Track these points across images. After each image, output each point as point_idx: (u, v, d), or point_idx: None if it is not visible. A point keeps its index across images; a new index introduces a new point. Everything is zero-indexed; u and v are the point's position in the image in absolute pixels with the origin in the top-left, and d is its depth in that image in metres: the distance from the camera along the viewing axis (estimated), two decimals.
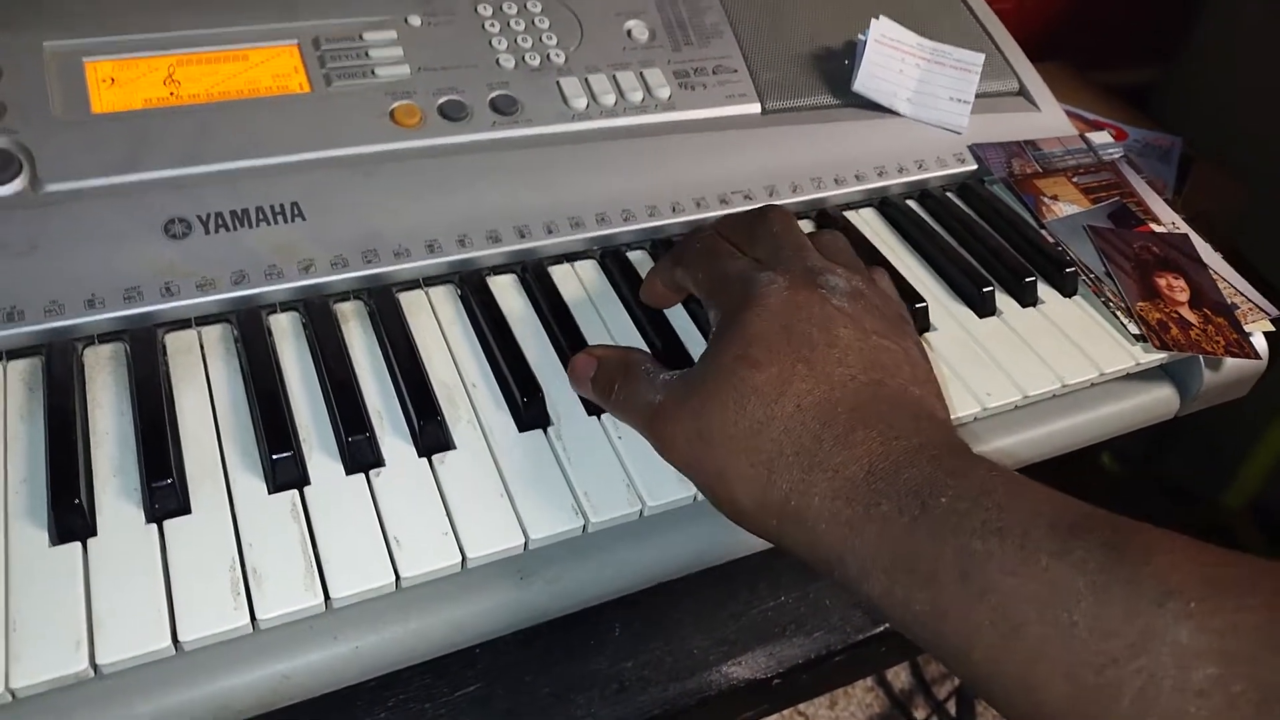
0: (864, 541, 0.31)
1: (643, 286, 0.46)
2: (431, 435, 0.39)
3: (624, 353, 0.41)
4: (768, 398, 0.34)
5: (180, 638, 0.33)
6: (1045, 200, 0.58)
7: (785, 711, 1.27)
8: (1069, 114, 0.66)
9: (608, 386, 0.40)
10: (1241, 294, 0.54)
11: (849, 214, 0.56)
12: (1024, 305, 0.52)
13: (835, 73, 0.60)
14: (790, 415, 0.33)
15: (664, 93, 0.56)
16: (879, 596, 0.31)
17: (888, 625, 0.46)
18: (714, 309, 0.39)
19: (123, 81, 0.48)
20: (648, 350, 0.44)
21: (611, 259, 0.50)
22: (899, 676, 1.33)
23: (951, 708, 1.26)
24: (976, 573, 0.29)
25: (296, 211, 0.46)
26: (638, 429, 0.39)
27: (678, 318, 0.47)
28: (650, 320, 0.46)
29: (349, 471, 0.38)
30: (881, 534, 0.31)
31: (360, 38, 0.52)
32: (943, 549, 0.29)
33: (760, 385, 0.34)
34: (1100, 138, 0.64)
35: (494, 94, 0.53)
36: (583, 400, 0.42)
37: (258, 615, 0.33)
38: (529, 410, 0.41)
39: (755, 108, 0.57)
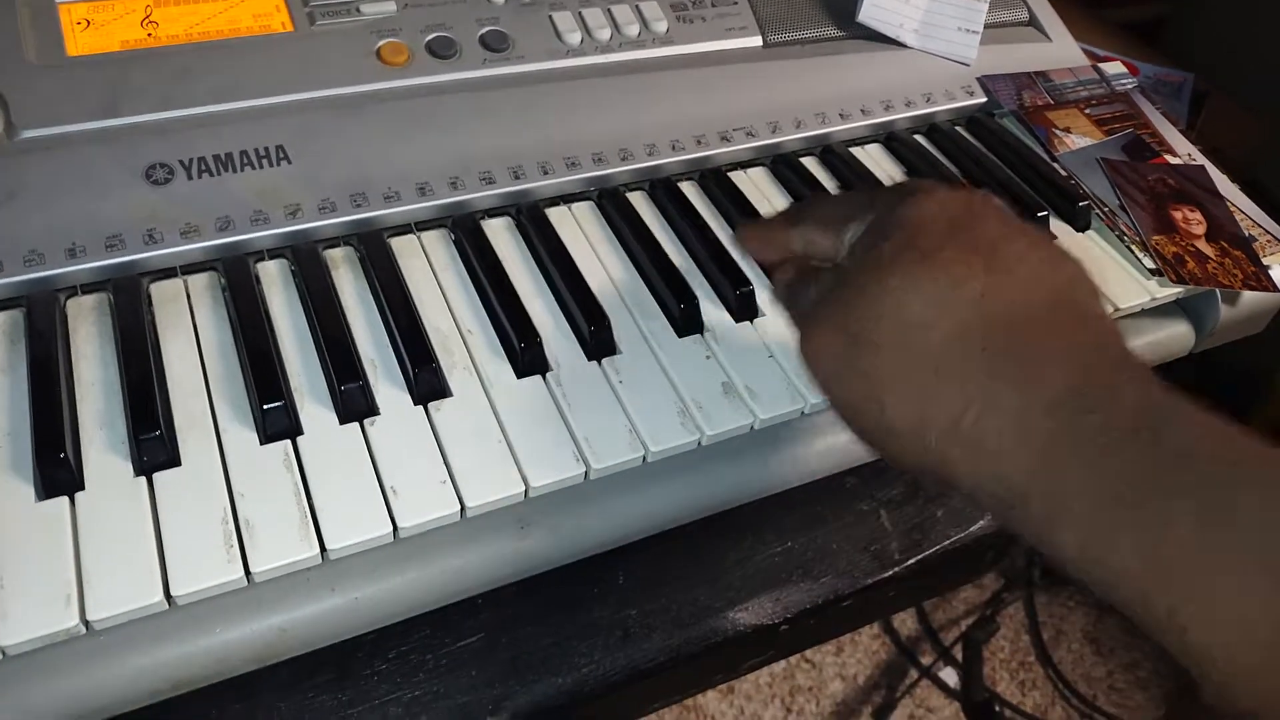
0: (1063, 479, 0.25)
1: (746, 234, 0.40)
2: (427, 382, 0.38)
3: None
4: (939, 289, 0.28)
5: (173, 591, 0.32)
6: (1057, 132, 0.56)
7: (792, 659, 1.28)
8: None
9: (789, 271, 0.35)
10: (1260, 225, 0.52)
11: (855, 150, 0.54)
12: None
13: (839, 3, 0.58)
14: (969, 310, 0.28)
15: (661, 26, 0.53)
16: (1073, 545, 0.25)
17: (894, 570, 0.45)
18: (851, 230, 0.33)
19: (99, 23, 0.46)
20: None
21: (609, 200, 0.48)
22: (905, 624, 1.34)
23: (958, 654, 1.27)
24: (1220, 518, 0.23)
25: (282, 155, 0.44)
26: (792, 324, 0.34)
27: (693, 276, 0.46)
28: (652, 261, 0.45)
29: (342, 421, 0.37)
30: (1087, 472, 0.25)
31: None
32: (1173, 488, 0.24)
33: (929, 276, 0.28)
34: (1113, 68, 0.62)
35: (484, 30, 0.51)
36: (582, 345, 0.41)
37: (251, 568, 0.33)
38: (527, 356, 0.40)
39: (756, 41, 0.55)
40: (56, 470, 0.34)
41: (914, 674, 1.29)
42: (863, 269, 0.30)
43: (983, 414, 0.27)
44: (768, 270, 0.43)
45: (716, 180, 0.51)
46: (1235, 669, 0.23)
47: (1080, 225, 0.51)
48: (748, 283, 0.44)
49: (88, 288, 0.40)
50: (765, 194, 0.51)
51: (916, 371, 0.28)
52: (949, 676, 1.29)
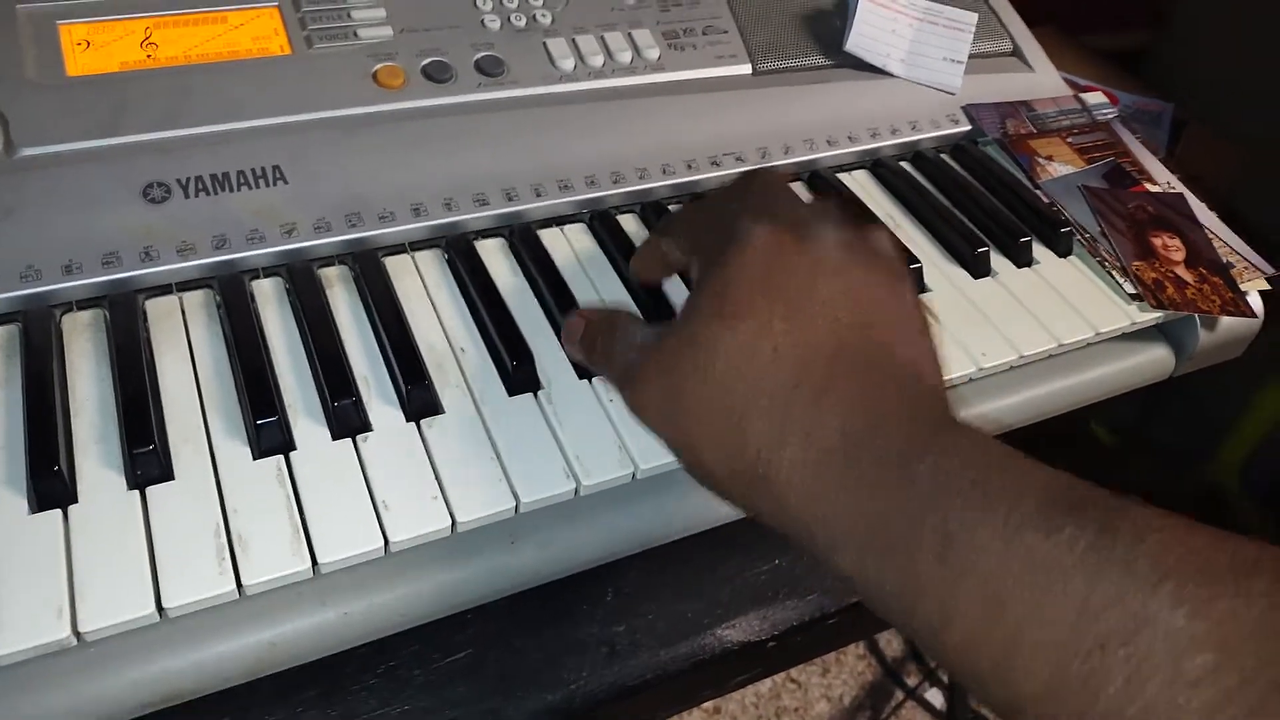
0: (835, 511, 0.29)
1: (633, 259, 0.46)
2: (419, 399, 0.39)
3: (611, 313, 0.40)
4: (742, 353, 0.32)
5: (164, 604, 0.32)
6: (1039, 160, 0.57)
7: (778, 678, 1.28)
8: None
9: (591, 345, 0.39)
10: (1237, 253, 0.53)
11: (841, 176, 0.55)
12: (1019, 266, 0.51)
13: (827, 33, 0.59)
14: (766, 363, 0.31)
15: (653, 53, 0.55)
16: (850, 569, 0.29)
17: None
18: (695, 265, 0.37)
19: (98, 44, 0.47)
20: (638, 313, 0.43)
21: (601, 222, 0.49)
22: (891, 644, 1.34)
23: (944, 675, 1.27)
24: (956, 548, 0.27)
25: (278, 175, 0.45)
26: (616, 389, 0.38)
27: (670, 284, 0.47)
28: (641, 285, 0.46)
29: (335, 437, 0.38)
30: (853, 503, 0.29)
31: None
32: (920, 522, 0.28)
33: (733, 341, 0.32)
34: (1094, 98, 0.63)
35: (479, 55, 0.51)
36: (573, 363, 0.42)
37: (243, 581, 0.33)
38: (518, 374, 0.40)
39: (746, 68, 0.57)
40: (50, 483, 0.34)
41: (899, 695, 1.29)
42: (680, 331, 0.34)
43: (771, 466, 0.31)
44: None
45: None
46: (988, 681, 0.27)
47: (1062, 251, 0.52)
48: None
49: (84, 304, 0.41)
50: None
51: (724, 428, 0.32)
52: (934, 698, 1.29)
